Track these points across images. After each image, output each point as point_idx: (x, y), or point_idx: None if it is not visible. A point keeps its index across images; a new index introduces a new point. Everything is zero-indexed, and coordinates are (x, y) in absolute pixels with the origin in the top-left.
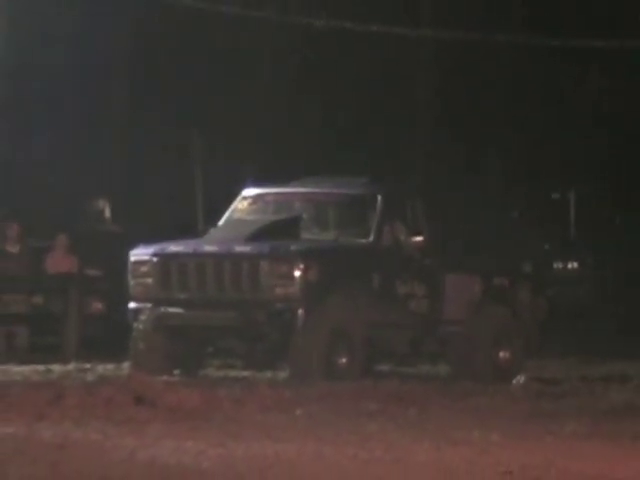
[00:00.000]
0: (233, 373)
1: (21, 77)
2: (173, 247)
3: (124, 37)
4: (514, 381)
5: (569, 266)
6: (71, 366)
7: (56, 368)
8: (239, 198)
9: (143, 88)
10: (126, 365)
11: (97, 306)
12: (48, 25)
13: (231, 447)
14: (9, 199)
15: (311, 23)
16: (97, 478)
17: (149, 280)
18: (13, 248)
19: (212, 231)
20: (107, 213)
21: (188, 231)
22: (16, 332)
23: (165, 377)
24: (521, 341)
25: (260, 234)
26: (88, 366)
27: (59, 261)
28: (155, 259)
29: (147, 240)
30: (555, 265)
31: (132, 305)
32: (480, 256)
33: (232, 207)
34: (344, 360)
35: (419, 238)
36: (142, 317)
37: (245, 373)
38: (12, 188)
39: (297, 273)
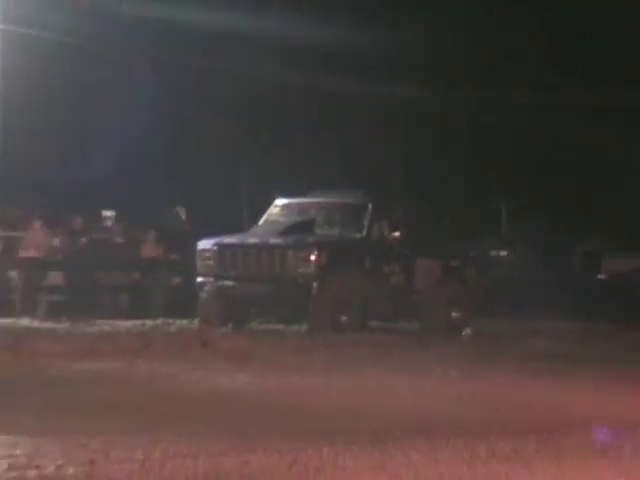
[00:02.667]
0: (270, 327)
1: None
2: (227, 239)
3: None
4: (463, 333)
5: (501, 254)
6: (159, 321)
7: (148, 323)
8: (272, 205)
9: (206, 130)
10: (196, 321)
11: (176, 280)
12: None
13: (269, 378)
14: (117, 205)
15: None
16: (176, 399)
17: (211, 262)
18: (119, 240)
19: (254, 228)
20: (183, 216)
21: (237, 228)
22: (120, 298)
23: (223, 329)
24: (468, 305)
25: (288, 231)
26: (170, 321)
27: (150, 249)
28: (215, 248)
29: (209, 235)
30: (492, 253)
31: (199, 280)
32: (440, 246)
33: (268, 212)
34: (346, 318)
35: (397, 234)
36: (206, 288)
37: (278, 327)
38: (120, 197)
39: (313, 258)
